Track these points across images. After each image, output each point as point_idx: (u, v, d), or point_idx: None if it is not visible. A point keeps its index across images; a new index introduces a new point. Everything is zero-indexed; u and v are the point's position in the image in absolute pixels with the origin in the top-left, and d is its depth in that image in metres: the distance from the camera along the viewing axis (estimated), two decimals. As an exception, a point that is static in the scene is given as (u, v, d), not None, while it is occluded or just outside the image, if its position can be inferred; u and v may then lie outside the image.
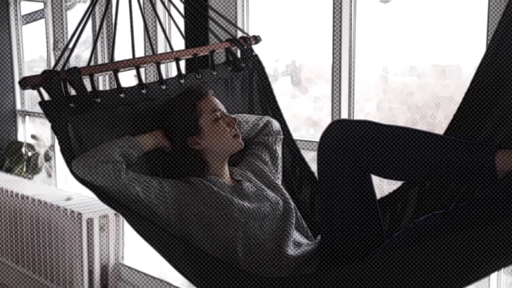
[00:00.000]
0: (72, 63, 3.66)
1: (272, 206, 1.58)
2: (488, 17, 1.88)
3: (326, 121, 2.53)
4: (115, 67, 1.65)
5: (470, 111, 1.54)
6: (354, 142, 1.36)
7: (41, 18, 3.88)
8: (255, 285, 1.34)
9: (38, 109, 4.02)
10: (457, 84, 2.34)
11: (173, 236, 1.47)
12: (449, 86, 2.36)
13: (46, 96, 1.55)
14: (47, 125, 3.89)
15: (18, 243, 3.34)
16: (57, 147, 3.75)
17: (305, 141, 2.36)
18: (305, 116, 2.76)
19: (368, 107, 2.57)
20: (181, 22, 2.02)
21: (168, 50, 1.93)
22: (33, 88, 1.54)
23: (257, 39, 1.98)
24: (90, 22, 3.58)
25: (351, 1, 2.27)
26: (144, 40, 2.94)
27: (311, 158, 2.25)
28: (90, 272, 3.02)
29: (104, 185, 1.46)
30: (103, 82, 3.29)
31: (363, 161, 1.37)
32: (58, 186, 3.74)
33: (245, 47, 1.92)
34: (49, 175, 3.94)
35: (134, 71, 1.72)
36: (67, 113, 1.52)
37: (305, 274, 1.45)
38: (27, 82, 1.52)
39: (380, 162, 1.37)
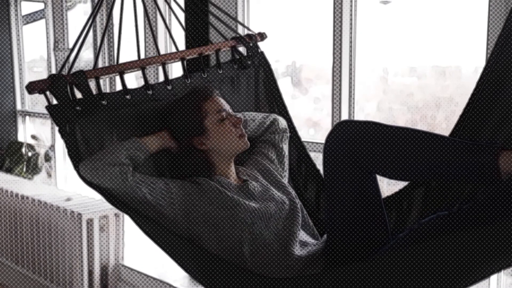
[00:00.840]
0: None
1: (277, 206, 1.59)
2: (489, 18, 1.88)
3: (326, 121, 2.53)
4: (120, 69, 1.66)
5: (471, 113, 1.55)
6: (360, 143, 1.37)
7: (41, 18, 3.88)
8: (261, 285, 1.35)
9: (38, 109, 4.02)
10: (457, 85, 2.34)
11: (180, 237, 1.48)
12: (449, 87, 2.36)
13: (53, 100, 1.57)
14: (47, 125, 3.89)
15: (18, 244, 3.34)
16: (57, 147, 3.75)
17: (306, 141, 2.36)
18: (305, 116, 2.76)
19: (368, 108, 2.57)
20: (182, 19, 2.01)
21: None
22: (40, 93, 1.55)
23: (262, 36, 1.98)
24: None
25: (351, 2, 2.27)
26: (145, 41, 2.94)
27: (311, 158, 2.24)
28: (90, 273, 3.01)
29: (112, 187, 1.47)
30: (103, 84, 3.29)
31: (369, 162, 1.38)
32: (58, 186, 3.74)
33: (251, 45, 1.92)
34: (49, 176, 3.94)
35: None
36: (74, 116, 1.54)
37: (311, 275, 1.45)
38: (34, 87, 1.54)
39: (385, 163, 1.37)
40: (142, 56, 1.75)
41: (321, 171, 1.64)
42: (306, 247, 1.55)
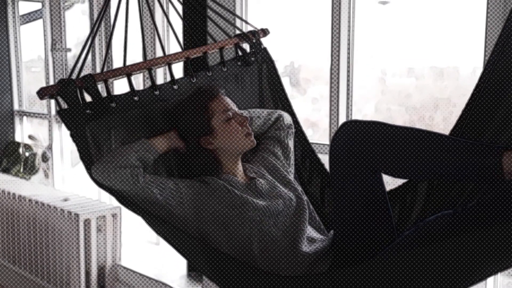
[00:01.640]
0: (70, 62, 3.66)
1: (285, 203, 1.61)
2: (487, 19, 1.89)
3: (324, 122, 2.53)
4: (128, 71, 1.68)
5: (473, 114, 1.56)
6: (365, 142, 1.39)
7: (39, 18, 3.88)
8: (272, 283, 1.37)
9: (35, 109, 4.02)
10: (455, 86, 2.35)
11: (191, 237, 1.51)
12: (447, 88, 2.37)
13: (63, 105, 1.59)
14: (45, 125, 3.89)
15: (15, 244, 3.33)
16: (55, 148, 3.75)
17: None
18: (304, 117, 2.76)
19: (366, 109, 2.57)
20: (181, 19, 2.01)
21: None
22: (51, 98, 1.59)
23: (265, 32, 1.98)
24: (88, 25, 3.59)
25: (349, 2, 2.28)
26: (144, 42, 2.93)
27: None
28: (87, 273, 3.01)
29: (123, 189, 1.50)
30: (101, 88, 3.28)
31: (374, 161, 1.40)
32: (56, 186, 3.74)
33: (254, 41, 1.93)
34: (47, 176, 3.94)
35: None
36: (84, 120, 1.58)
37: (319, 273, 1.48)
38: (45, 92, 1.57)
39: (391, 162, 1.40)
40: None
41: (326, 164, 1.66)
42: (314, 243, 1.56)
